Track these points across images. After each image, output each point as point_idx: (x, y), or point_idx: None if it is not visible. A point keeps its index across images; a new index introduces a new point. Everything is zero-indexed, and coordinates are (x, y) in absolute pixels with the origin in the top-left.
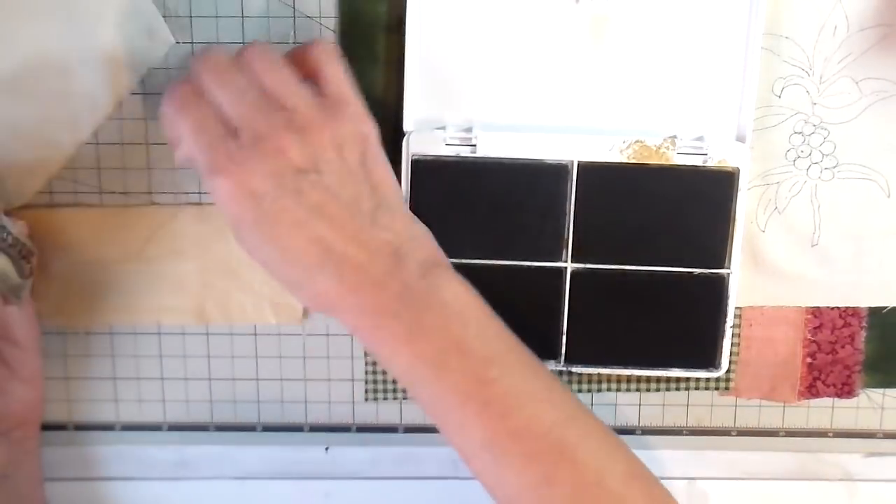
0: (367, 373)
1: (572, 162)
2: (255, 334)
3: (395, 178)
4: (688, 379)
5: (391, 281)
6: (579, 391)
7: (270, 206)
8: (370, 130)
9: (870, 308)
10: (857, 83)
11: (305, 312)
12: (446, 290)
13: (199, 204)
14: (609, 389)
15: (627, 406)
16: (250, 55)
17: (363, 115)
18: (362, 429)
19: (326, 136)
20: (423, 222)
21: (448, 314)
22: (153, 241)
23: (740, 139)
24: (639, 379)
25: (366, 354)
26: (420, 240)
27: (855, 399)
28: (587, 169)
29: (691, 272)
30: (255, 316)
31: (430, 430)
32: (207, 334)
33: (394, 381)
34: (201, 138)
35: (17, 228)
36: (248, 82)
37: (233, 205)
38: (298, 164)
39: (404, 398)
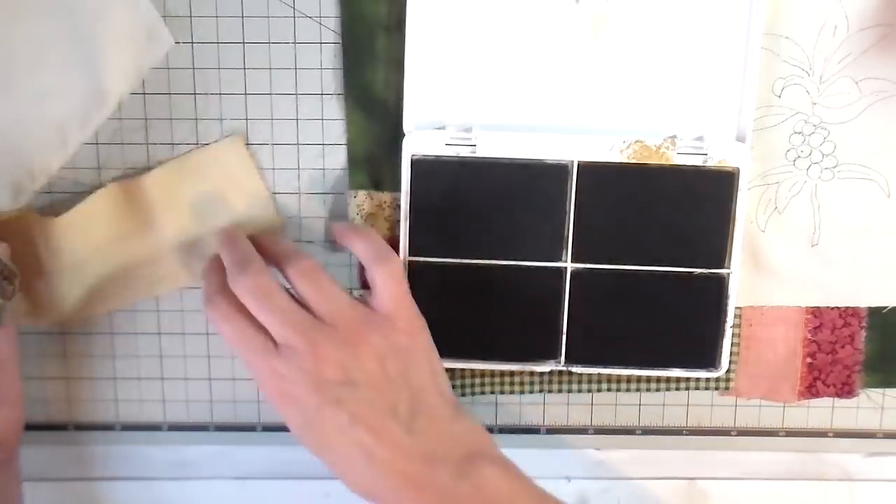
0: None
1: (572, 162)
2: None
3: (441, 378)
4: (688, 379)
5: (430, 484)
6: (579, 391)
7: (314, 415)
8: (417, 340)
9: (870, 308)
10: (857, 83)
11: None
12: (488, 485)
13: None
14: (609, 389)
15: (627, 406)
16: (295, 274)
17: (412, 328)
18: None
19: (366, 350)
20: (423, 222)
21: None
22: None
23: (740, 139)
24: (639, 379)
25: None
26: (459, 436)
27: (855, 399)
28: (587, 169)
29: (691, 272)
30: None
31: None
32: (207, 334)
33: None
34: (242, 350)
35: (0, 250)
36: (289, 301)
37: (281, 409)
38: (336, 378)
39: None
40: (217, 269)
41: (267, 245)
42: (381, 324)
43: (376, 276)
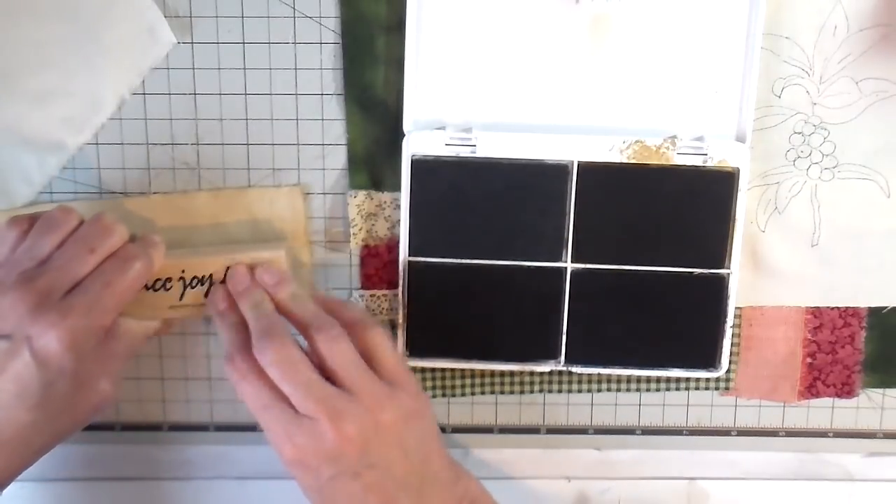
0: None
1: (572, 162)
2: None
3: (441, 440)
4: (688, 379)
5: None
6: (579, 391)
7: (328, 483)
8: (424, 405)
9: (870, 308)
10: (857, 83)
11: None
12: None
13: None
14: (609, 389)
15: (627, 406)
16: (322, 341)
17: (419, 393)
18: None
19: (385, 422)
20: (423, 222)
21: None
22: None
23: (740, 139)
24: (639, 379)
25: None
26: (460, 497)
27: (855, 399)
28: (587, 169)
29: (691, 272)
30: None
31: None
32: (207, 334)
33: None
34: (261, 414)
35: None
36: (311, 371)
37: (295, 472)
38: (355, 452)
39: None
40: (240, 326)
41: (292, 308)
42: (396, 393)
43: (373, 341)
